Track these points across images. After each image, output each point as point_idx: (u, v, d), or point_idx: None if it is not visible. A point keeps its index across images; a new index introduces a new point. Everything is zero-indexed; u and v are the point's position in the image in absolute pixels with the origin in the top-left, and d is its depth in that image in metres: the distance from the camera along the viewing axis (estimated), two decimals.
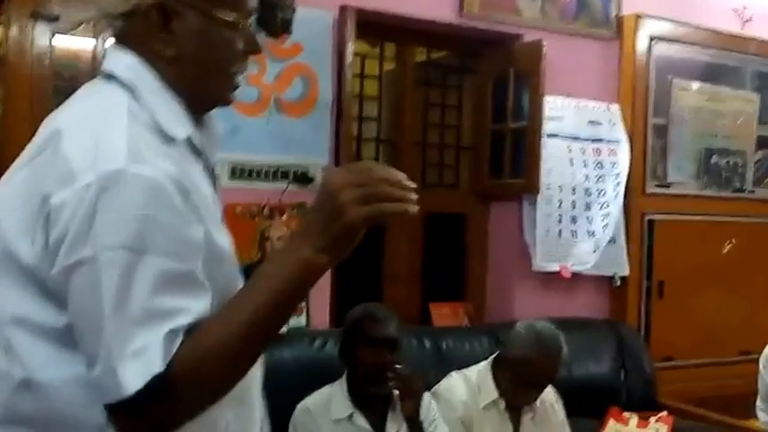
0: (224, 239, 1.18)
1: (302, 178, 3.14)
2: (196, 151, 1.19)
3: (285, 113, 3.12)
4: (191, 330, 1.03)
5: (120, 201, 1.02)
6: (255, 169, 3.07)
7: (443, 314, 3.54)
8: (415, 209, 1.08)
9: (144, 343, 0.99)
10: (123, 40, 1.19)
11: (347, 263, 3.69)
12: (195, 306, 1.04)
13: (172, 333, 1.01)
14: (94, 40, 2.73)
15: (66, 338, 1.07)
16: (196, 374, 1.01)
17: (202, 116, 1.25)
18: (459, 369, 2.89)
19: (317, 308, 3.14)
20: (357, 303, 2.94)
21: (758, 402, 3.39)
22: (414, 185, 1.09)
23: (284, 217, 3.11)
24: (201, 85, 1.20)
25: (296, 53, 3.13)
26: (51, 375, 1.08)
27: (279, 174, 3.10)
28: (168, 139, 1.13)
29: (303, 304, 3.11)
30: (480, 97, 3.73)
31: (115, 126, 1.08)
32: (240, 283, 1.17)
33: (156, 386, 0.98)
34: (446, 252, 3.77)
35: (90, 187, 1.02)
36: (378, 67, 3.66)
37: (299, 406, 2.51)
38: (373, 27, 3.34)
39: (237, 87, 1.25)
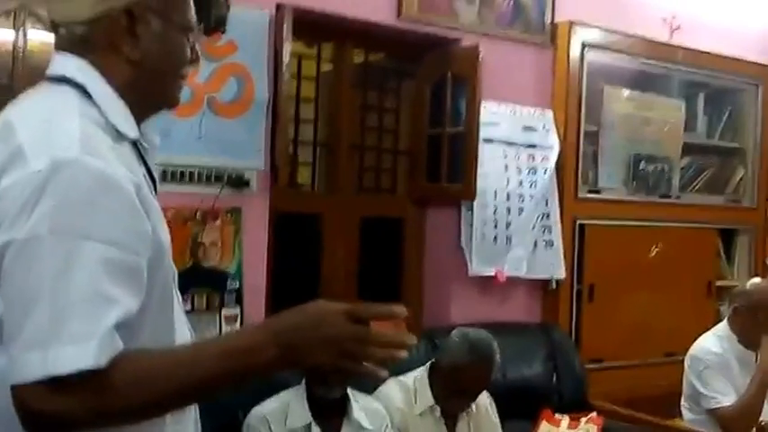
0: (166, 236, 1.22)
1: (237, 182, 3.07)
2: (140, 154, 1.24)
3: (219, 114, 3.04)
4: (127, 326, 1.04)
5: (67, 187, 1.04)
6: (188, 172, 2.98)
7: (380, 319, 3.51)
8: (385, 374, 1.11)
9: (84, 329, 1.00)
10: (74, 47, 1.21)
11: (283, 268, 3.63)
12: (127, 302, 1.06)
13: (111, 331, 1.01)
14: (14, 31, 2.62)
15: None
16: (130, 391, 1.02)
17: (144, 121, 1.29)
18: (397, 374, 2.88)
19: (253, 313, 3.08)
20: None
21: (683, 401, 3.48)
22: (411, 342, 1.11)
23: (218, 222, 3.04)
24: (159, 86, 1.28)
25: (230, 52, 3.06)
26: None
27: (212, 177, 3.02)
28: (118, 137, 1.18)
29: (237, 310, 3.06)
30: (418, 101, 3.72)
31: (68, 119, 1.12)
32: (174, 281, 1.26)
33: (87, 379, 0.99)
34: (383, 257, 3.74)
35: (41, 173, 1.04)
36: (315, 68, 3.60)
37: (255, 412, 2.47)
38: (310, 27, 3.29)
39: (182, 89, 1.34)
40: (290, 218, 3.38)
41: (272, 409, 2.47)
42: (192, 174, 2.97)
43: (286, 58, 3.06)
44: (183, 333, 1.28)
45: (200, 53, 1.34)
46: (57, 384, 0.98)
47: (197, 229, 2.97)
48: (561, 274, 3.82)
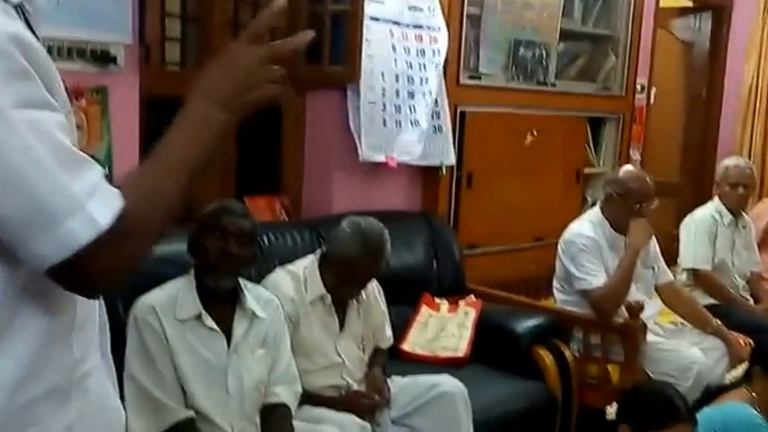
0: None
1: (102, 57, 2.76)
2: (27, 22, 1.09)
3: None
4: None
5: None
6: (46, 45, 2.62)
7: (259, 207, 3.35)
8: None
9: (89, 181, 0.97)
10: None
11: None
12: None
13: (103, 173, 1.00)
14: None
15: None
16: (142, 212, 1.02)
17: None
18: (281, 264, 2.84)
19: None
20: None
21: (555, 283, 3.60)
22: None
23: (82, 102, 2.74)
24: None
25: None
26: None
27: (74, 52, 2.69)
28: None
29: None
30: None
31: None
32: None
33: (120, 220, 0.98)
34: (261, 143, 3.54)
35: None
36: None
37: (141, 302, 2.31)
38: None
39: None
40: (161, 100, 3.10)
41: (159, 298, 2.32)
42: (50, 48, 2.63)
43: None
44: None
45: None
46: (110, 233, 0.97)
47: None
48: (451, 160, 3.74)
